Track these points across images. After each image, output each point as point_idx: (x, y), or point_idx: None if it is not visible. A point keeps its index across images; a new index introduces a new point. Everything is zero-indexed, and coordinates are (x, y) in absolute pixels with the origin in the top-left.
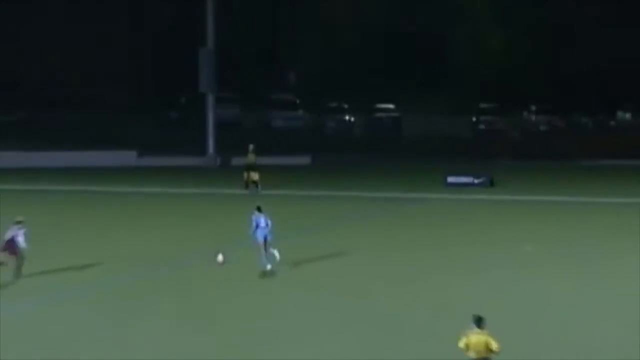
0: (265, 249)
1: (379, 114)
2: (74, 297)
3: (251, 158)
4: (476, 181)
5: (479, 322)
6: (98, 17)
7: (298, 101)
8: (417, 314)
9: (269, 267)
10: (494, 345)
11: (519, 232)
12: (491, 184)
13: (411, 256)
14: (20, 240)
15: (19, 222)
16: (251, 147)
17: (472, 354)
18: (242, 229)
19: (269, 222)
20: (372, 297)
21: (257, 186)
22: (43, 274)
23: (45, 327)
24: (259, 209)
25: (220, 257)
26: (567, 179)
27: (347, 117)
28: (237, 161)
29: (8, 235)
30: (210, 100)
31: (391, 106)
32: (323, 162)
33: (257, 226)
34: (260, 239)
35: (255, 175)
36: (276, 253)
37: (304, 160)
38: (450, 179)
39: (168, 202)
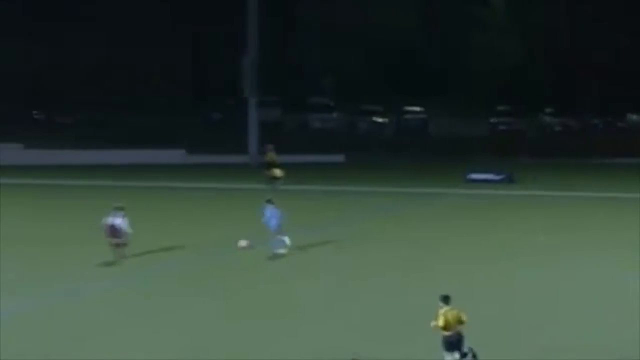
0: (276, 236)
1: (407, 116)
2: (134, 281)
3: (271, 156)
4: (497, 178)
5: (446, 299)
6: (152, 26)
7: (333, 104)
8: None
9: (280, 251)
10: (464, 317)
11: (538, 225)
12: (511, 180)
13: (435, 246)
14: (124, 225)
15: (120, 209)
16: (270, 146)
17: (445, 331)
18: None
19: (278, 213)
20: (397, 284)
21: (276, 181)
22: (107, 260)
23: (112, 308)
24: (269, 202)
25: (242, 243)
26: (581, 176)
27: (378, 119)
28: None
29: (110, 221)
30: (253, 103)
31: (418, 109)
32: (355, 160)
33: (268, 216)
34: (272, 227)
35: (277, 172)
36: (287, 239)
37: (338, 158)
38: (473, 176)
39: (214, 196)
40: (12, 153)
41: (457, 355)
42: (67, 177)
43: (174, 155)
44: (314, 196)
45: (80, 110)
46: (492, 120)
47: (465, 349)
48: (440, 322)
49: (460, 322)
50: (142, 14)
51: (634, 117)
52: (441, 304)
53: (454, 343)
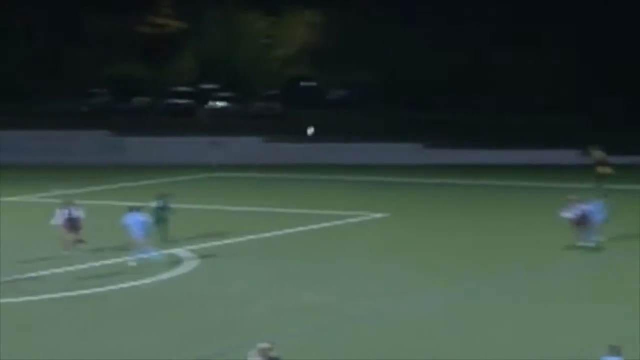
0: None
1: None
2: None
3: (599, 155)
4: None
5: None
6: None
7: None
8: None
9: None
10: None
11: None
12: None
13: None
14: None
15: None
16: (596, 146)
17: None
18: None
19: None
20: None
21: (605, 180)
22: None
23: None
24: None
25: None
26: None
27: None
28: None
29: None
30: None
31: None
32: None
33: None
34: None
35: (606, 170)
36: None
37: None
38: None
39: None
40: (412, 153)
41: None
42: (463, 176)
43: (566, 156)
44: None
45: (470, 110)
46: None
47: None
48: None
49: None
50: (519, 14)
51: None
52: None
53: None
